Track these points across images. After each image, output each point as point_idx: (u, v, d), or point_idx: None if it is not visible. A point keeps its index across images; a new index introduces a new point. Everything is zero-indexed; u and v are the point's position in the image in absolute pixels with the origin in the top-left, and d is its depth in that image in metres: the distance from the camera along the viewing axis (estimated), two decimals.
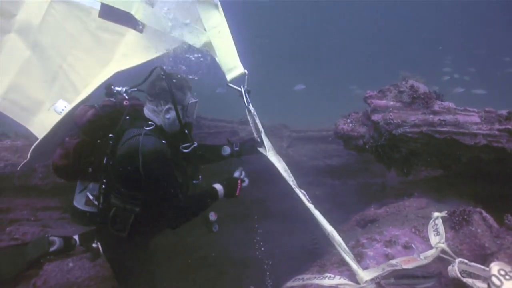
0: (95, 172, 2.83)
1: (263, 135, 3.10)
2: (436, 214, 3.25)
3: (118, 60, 3.53)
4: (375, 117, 3.47)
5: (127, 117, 2.75)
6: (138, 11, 3.34)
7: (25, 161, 3.73)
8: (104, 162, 2.75)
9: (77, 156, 2.78)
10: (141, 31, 3.43)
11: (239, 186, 3.01)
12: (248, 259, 4.19)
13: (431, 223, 3.20)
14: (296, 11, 29.66)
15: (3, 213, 4.01)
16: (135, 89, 2.99)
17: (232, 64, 3.13)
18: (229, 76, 3.12)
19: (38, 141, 3.62)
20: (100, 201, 2.76)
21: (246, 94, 3.12)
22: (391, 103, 3.51)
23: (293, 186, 2.83)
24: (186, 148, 2.93)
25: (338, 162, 4.91)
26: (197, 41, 3.19)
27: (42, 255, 3.17)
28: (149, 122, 2.70)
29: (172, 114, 2.80)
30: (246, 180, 3.13)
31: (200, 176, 3.13)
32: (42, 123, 3.84)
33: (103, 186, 2.74)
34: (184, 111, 2.86)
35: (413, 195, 3.99)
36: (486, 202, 3.88)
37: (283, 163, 3.03)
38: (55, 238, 3.27)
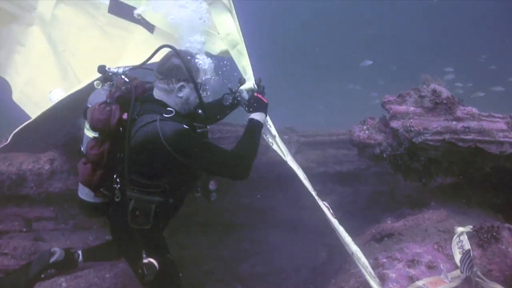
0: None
1: (278, 139, 2.87)
2: (460, 229, 3.02)
3: (126, 60, 3.36)
4: (394, 124, 3.22)
5: (138, 102, 2.53)
6: (147, 13, 3.20)
7: (5, 143, 3.51)
8: (113, 153, 2.52)
9: (109, 162, 2.51)
10: (151, 31, 3.28)
11: (260, 97, 2.78)
12: (255, 275, 3.94)
13: (455, 239, 2.98)
14: (300, 12, 29.29)
15: None
16: (129, 69, 2.71)
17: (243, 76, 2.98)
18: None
19: (22, 125, 3.42)
20: (115, 193, 2.54)
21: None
22: (412, 108, 3.26)
23: (316, 198, 2.61)
24: (198, 128, 2.71)
25: (349, 168, 4.67)
26: (214, 48, 3.02)
27: (42, 268, 3.08)
28: (168, 108, 2.47)
29: (185, 92, 2.57)
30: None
31: None
32: None
33: (118, 179, 2.53)
34: (197, 89, 2.62)
35: (429, 204, 3.78)
36: (507, 212, 3.67)
37: (301, 170, 2.81)
38: (56, 248, 3.18)
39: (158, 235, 2.76)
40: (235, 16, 2.99)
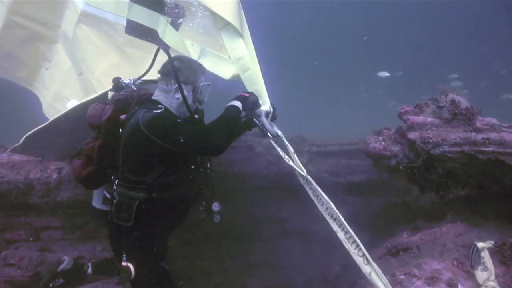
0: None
1: (295, 156, 2.83)
2: (480, 244, 2.90)
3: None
4: (412, 135, 3.12)
5: (136, 107, 2.61)
6: (165, 34, 3.30)
7: (16, 145, 3.54)
8: (109, 150, 2.65)
9: (101, 159, 2.62)
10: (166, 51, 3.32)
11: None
12: None
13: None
14: (301, 13, 29.29)
15: None
16: (142, 79, 2.86)
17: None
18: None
19: (35, 129, 3.40)
20: (114, 197, 2.60)
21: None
22: (429, 119, 3.16)
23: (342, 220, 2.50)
24: None
25: (361, 179, 4.57)
26: (226, 73, 3.07)
27: (51, 277, 3.10)
28: (159, 105, 2.56)
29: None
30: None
31: (208, 164, 2.95)
32: None
33: (116, 180, 2.59)
34: (195, 93, 2.68)
35: (445, 216, 3.66)
36: None
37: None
38: (65, 257, 3.26)
39: (148, 240, 2.67)
40: (250, 40, 3.02)
